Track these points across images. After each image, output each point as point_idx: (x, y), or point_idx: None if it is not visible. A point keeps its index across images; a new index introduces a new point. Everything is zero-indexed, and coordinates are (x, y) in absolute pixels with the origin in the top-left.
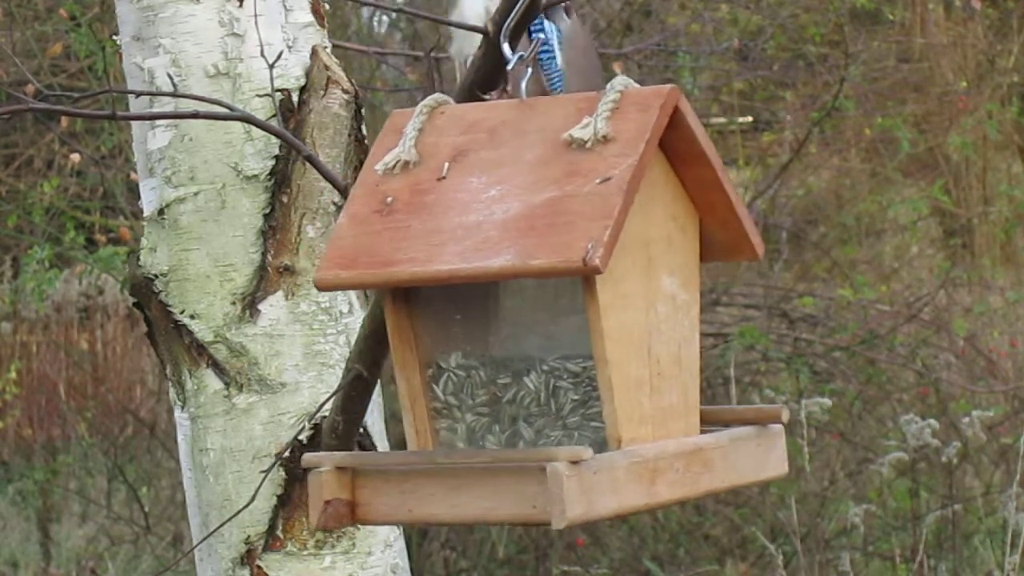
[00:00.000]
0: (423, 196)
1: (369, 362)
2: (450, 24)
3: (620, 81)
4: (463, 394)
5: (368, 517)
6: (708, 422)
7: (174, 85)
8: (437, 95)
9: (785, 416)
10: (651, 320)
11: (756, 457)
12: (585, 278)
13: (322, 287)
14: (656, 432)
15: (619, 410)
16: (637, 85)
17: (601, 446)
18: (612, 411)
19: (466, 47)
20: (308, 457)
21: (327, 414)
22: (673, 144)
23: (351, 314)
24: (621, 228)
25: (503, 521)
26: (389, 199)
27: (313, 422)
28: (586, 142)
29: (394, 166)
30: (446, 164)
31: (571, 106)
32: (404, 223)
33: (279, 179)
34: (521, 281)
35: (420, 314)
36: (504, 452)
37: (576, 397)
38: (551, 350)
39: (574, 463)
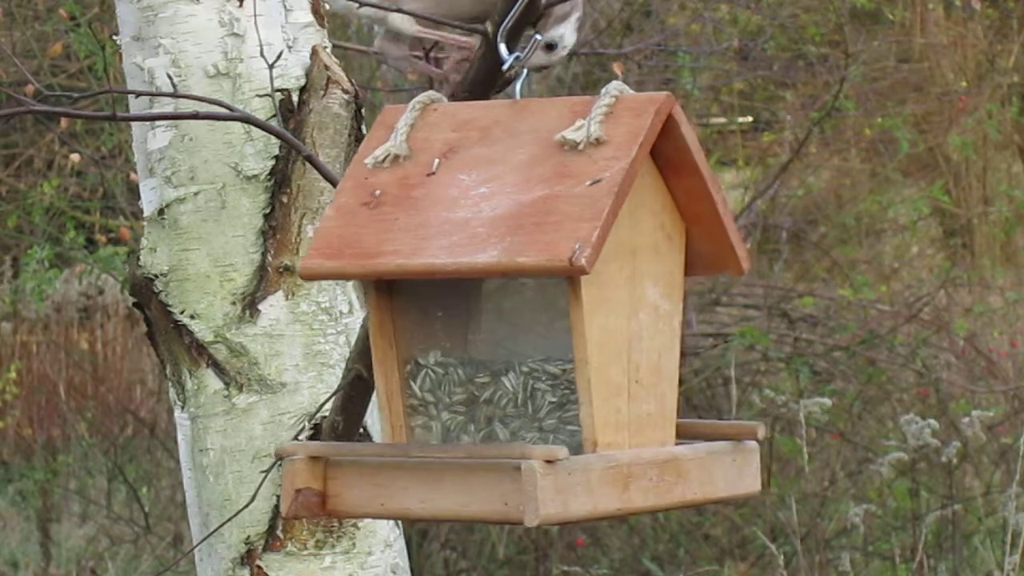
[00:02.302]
0: (412, 190)
1: (369, 362)
2: (449, 24)
3: (615, 86)
4: (440, 392)
5: (339, 509)
6: (685, 436)
7: (174, 85)
8: (430, 92)
9: (761, 433)
10: (633, 327)
11: (731, 472)
12: (570, 279)
13: (305, 276)
14: (632, 439)
15: (596, 414)
16: (632, 91)
17: (576, 450)
18: (589, 414)
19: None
20: (281, 446)
21: (327, 414)
22: (664, 152)
23: (351, 314)
24: (609, 230)
25: (476, 518)
26: (377, 192)
27: (313, 422)
28: (578, 144)
29: (384, 159)
30: (436, 160)
31: (564, 108)
32: (391, 216)
33: (279, 179)
34: (504, 280)
35: (402, 309)
36: (479, 448)
37: (554, 399)
38: (531, 351)
39: (549, 462)
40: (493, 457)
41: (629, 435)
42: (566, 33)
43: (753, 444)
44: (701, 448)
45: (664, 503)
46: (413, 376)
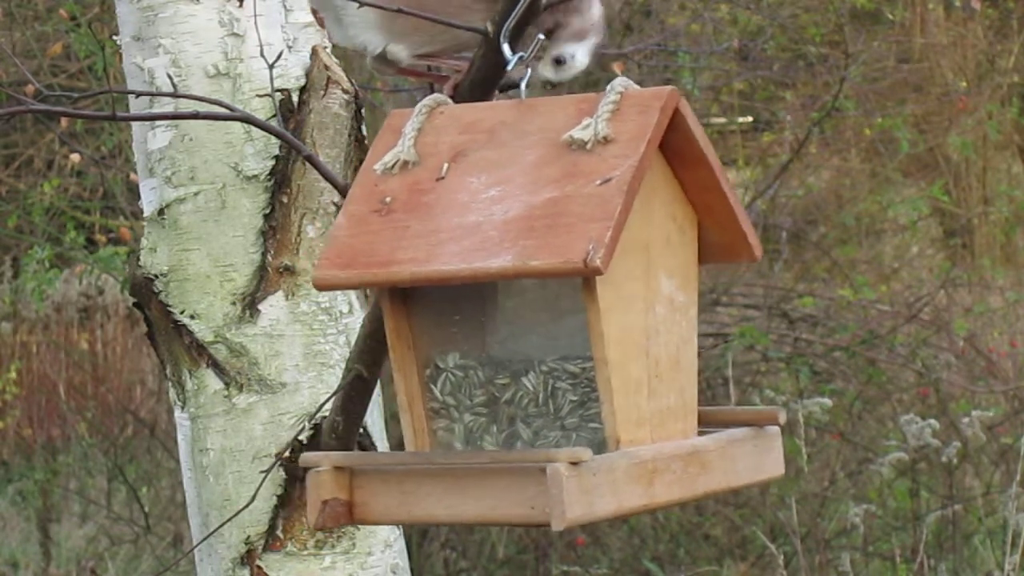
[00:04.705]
0: (422, 196)
1: (369, 362)
2: (449, 24)
3: (620, 82)
4: (461, 394)
5: (366, 517)
6: (706, 423)
7: (174, 85)
8: (436, 95)
9: (782, 418)
10: (650, 321)
11: (753, 459)
12: (585, 279)
13: (320, 287)
14: (654, 433)
15: (618, 411)
16: (637, 86)
17: (599, 447)
18: (611, 412)
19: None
20: (307, 456)
21: (327, 414)
22: (672, 145)
23: (351, 314)
24: (622, 229)
25: (502, 522)
26: (388, 199)
27: (313, 422)
28: (586, 143)
29: (393, 166)
30: (445, 164)
31: (571, 107)
32: (403, 223)
33: (279, 179)
34: (520, 281)
35: (418, 314)
36: (503, 453)
37: (575, 398)
38: (550, 351)
39: (574, 464)
40: (517, 461)
41: (651, 429)
42: (578, 53)
43: (774, 429)
44: (722, 437)
45: (689, 495)
46: (433, 380)
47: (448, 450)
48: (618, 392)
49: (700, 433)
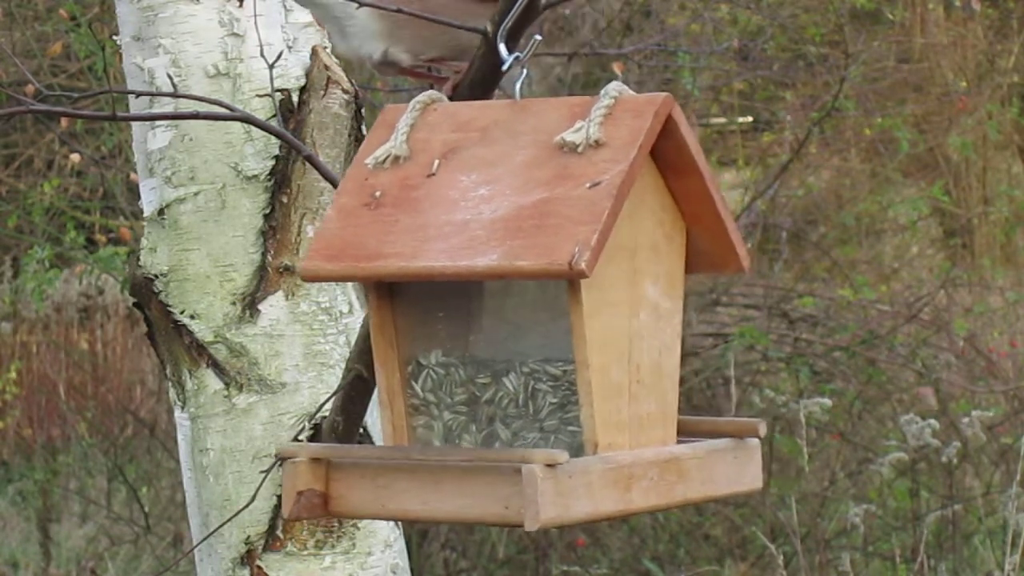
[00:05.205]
0: (412, 191)
1: (369, 362)
2: (449, 25)
3: (614, 87)
4: (441, 392)
5: (341, 510)
6: (686, 433)
7: (174, 85)
8: (431, 92)
9: (762, 430)
10: (633, 327)
11: (732, 470)
12: (570, 281)
13: (306, 278)
14: (633, 439)
15: (597, 415)
16: (631, 91)
17: (577, 450)
18: (590, 415)
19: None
20: (283, 447)
21: (327, 414)
22: (664, 152)
23: (351, 314)
24: (609, 233)
25: (476, 521)
26: (378, 193)
27: (313, 422)
28: (578, 146)
29: (384, 160)
30: (436, 161)
31: (564, 109)
32: (392, 217)
33: (279, 179)
34: (505, 281)
35: (403, 310)
36: (480, 451)
37: (555, 400)
38: (532, 352)
39: (550, 466)
40: (494, 460)
41: (630, 435)
42: None
43: (754, 441)
44: (702, 447)
45: (665, 502)
46: (415, 376)
47: (426, 446)
48: (598, 395)
49: (680, 442)
